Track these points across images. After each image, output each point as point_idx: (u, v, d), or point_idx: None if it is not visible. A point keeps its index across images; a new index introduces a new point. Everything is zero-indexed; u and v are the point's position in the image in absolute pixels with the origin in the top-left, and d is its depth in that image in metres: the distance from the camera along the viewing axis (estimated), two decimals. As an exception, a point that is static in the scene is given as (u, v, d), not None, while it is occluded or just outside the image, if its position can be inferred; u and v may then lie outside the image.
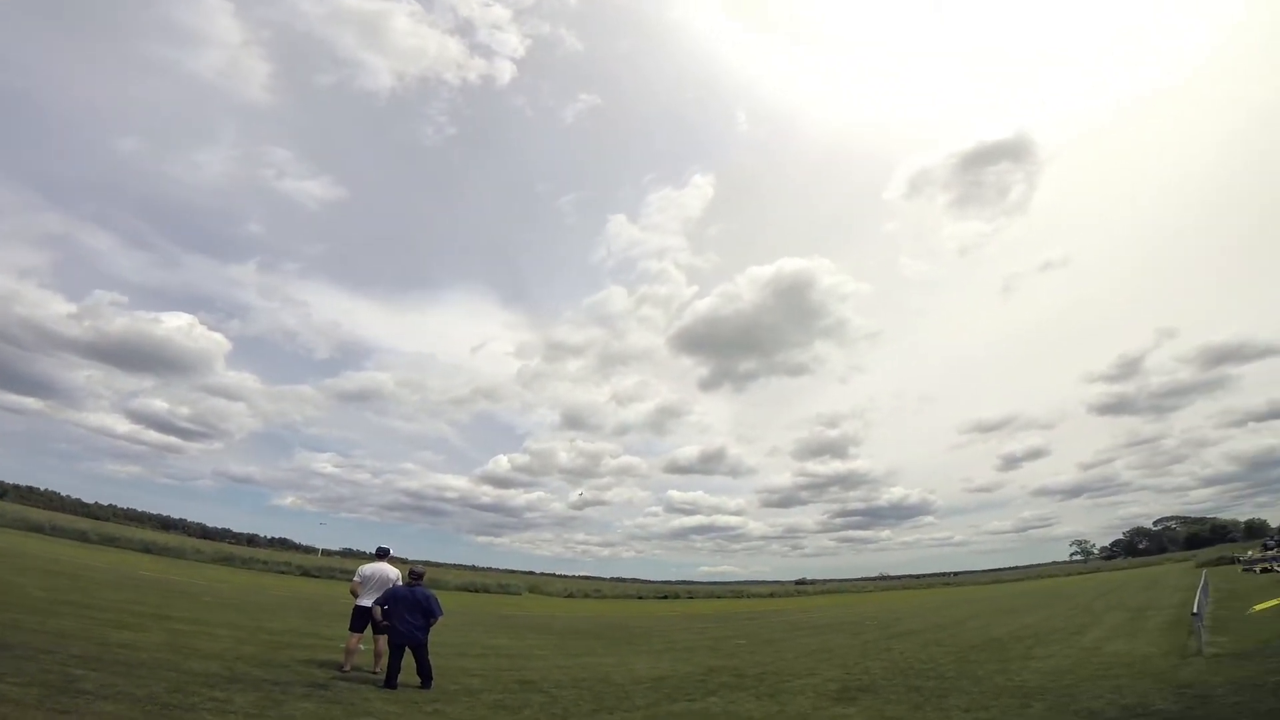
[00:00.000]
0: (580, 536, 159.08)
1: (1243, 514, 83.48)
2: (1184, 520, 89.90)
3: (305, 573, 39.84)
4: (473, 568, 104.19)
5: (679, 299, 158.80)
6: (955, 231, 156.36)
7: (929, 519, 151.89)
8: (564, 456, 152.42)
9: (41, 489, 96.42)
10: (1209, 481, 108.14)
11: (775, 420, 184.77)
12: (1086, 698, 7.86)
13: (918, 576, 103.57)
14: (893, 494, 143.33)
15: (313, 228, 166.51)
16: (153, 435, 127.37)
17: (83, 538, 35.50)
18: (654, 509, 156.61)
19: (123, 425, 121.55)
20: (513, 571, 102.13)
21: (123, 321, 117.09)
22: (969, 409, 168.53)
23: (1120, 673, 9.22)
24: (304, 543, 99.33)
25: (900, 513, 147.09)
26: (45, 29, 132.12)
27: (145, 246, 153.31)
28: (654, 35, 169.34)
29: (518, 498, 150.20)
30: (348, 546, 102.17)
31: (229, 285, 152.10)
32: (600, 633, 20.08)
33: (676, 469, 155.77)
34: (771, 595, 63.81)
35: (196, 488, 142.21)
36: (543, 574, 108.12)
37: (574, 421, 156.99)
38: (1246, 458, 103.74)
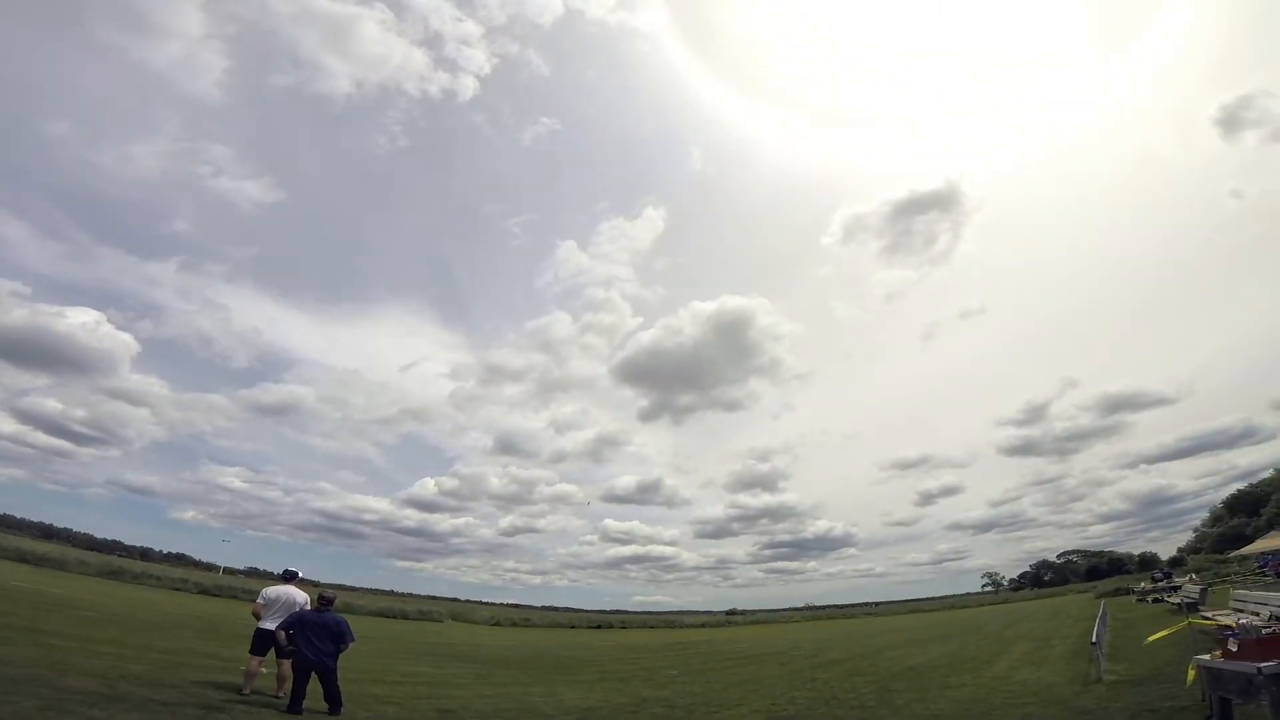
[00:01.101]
0: (510, 564, 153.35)
1: (1136, 548, 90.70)
2: (1084, 554, 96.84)
3: (204, 591, 36.63)
4: (391, 593, 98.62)
5: (623, 329, 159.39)
6: (884, 278, 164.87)
7: (852, 551, 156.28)
8: (496, 482, 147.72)
9: None
10: (1106, 518, 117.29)
11: (710, 453, 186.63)
12: (998, 725, 8.19)
13: (842, 606, 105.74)
14: (818, 526, 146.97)
15: (245, 230, 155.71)
16: (41, 438, 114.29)
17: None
18: (589, 537, 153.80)
19: (8, 425, 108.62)
20: (435, 598, 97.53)
21: (22, 313, 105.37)
22: (890, 447, 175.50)
23: (1028, 700, 9.68)
24: (204, 559, 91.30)
25: (825, 544, 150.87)
26: None
27: (58, 237, 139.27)
28: (621, 66, 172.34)
29: (443, 522, 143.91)
30: (253, 565, 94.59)
31: (145, 283, 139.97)
32: (528, 662, 19.40)
33: (614, 498, 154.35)
34: (703, 625, 63.73)
35: (86, 496, 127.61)
36: (468, 601, 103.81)
37: (508, 447, 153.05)
38: (1139, 496, 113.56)
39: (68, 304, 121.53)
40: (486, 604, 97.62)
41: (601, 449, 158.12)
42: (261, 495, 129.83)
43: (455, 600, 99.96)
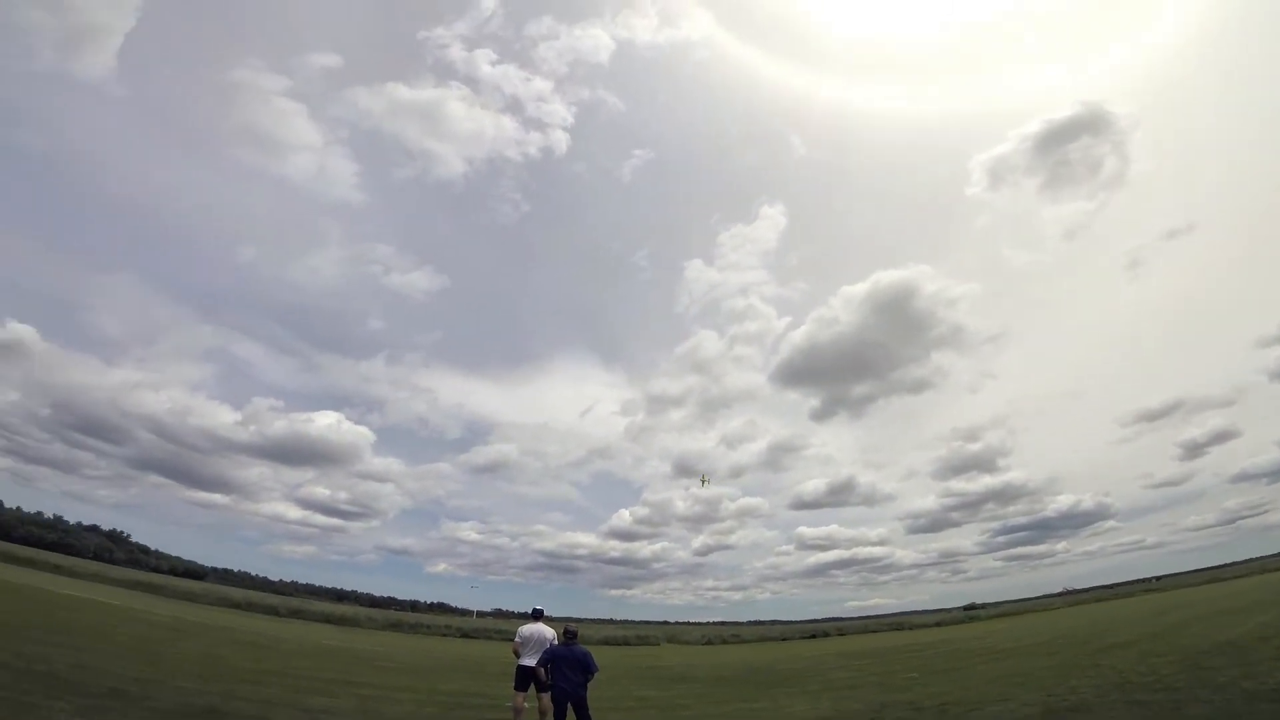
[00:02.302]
0: (709, 583, 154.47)
1: None
2: None
3: (464, 634, 42.15)
4: (610, 621, 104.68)
5: (772, 333, 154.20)
6: (1056, 214, 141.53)
7: (1110, 524, 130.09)
8: (681, 505, 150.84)
9: (235, 570, 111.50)
10: None
11: (904, 442, 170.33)
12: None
13: (1110, 586, 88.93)
14: (1060, 503, 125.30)
15: (425, 317, 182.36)
16: (320, 518, 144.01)
17: (274, 612, 40.16)
18: (785, 548, 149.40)
19: (294, 512, 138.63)
20: (648, 623, 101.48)
21: (282, 423, 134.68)
22: (1126, 399, 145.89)
23: None
24: (459, 605, 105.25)
25: (1074, 521, 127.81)
26: (146, 138, 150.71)
27: (288, 351, 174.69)
28: (688, 79, 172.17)
29: (643, 549, 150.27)
30: (498, 607, 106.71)
31: (363, 381, 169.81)
32: (745, 678, 19.22)
33: (803, 505, 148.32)
34: (938, 624, 57.78)
35: (362, 561, 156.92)
36: (677, 623, 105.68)
37: (685, 469, 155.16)
38: None
39: (313, 409, 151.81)
40: (695, 624, 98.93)
41: (779, 457, 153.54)
42: (493, 543, 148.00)
43: (665, 623, 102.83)
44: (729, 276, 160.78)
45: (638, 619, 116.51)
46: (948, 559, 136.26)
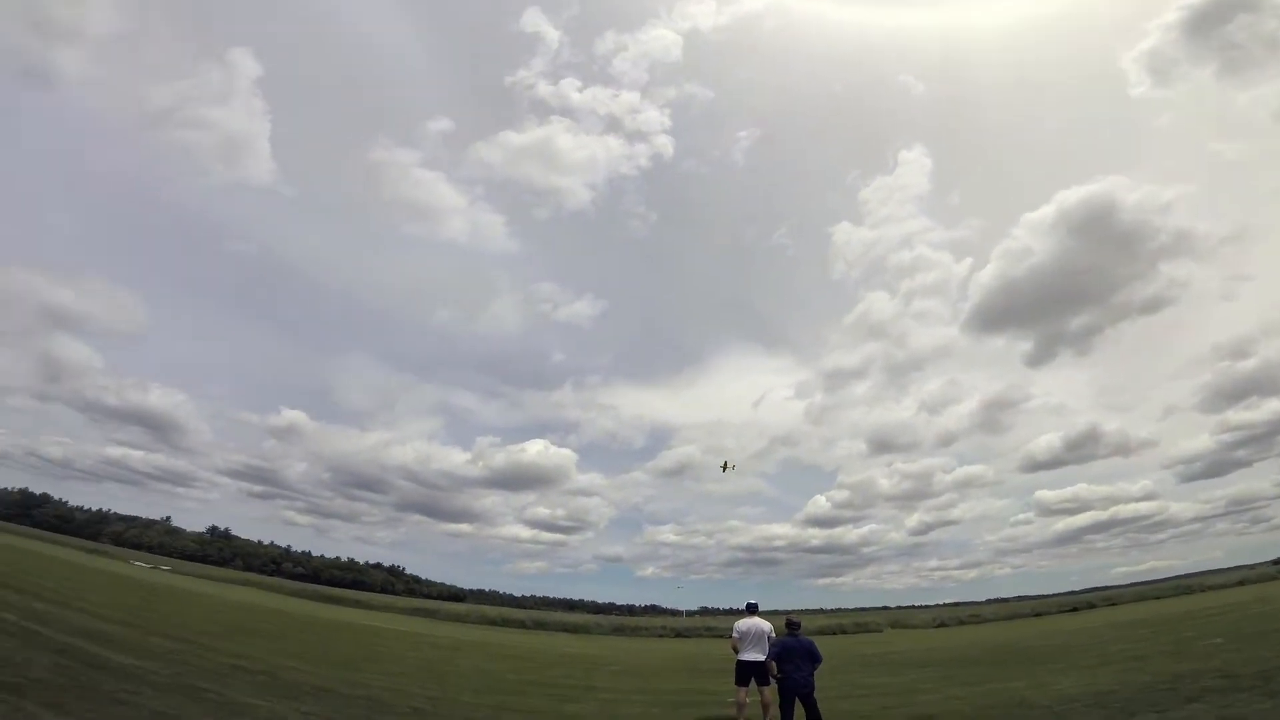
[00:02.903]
0: (933, 563, 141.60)
1: None
2: None
3: (677, 634, 44.01)
4: (820, 611, 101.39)
5: (954, 279, 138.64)
6: (1252, 99, 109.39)
7: None
8: (885, 483, 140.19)
9: (487, 590, 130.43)
10: None
11: (1151, 374, 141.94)
12: None
13: None
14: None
15: (595, 342, 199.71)
16: (545, 535, 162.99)
17: (521, 625, 45.55)
18: (1022, 516, 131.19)
19: (525, 532, 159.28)
20: (864, 609, 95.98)
21: (501, 456, 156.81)
22: None
23: None
24: (668, 606, 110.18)
25: None
26: (326, 230, 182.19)
27: (495, 395, 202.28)
28: (768, 49, 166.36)
29: (848, 534, 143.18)
30: (703, 605, 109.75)
31: (556, 409, 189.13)
32: (995, 658, 17.35)
33: (1036, 466, 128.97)
34: (1241, 583, 46.62)
35: (584, 571, 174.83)
36: (900, 608, 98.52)
37: (884, 445, 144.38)
38: None
39: (524, 440, 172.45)
40: (922, 608, 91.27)
41: (994, 416, 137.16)
42: (690, 543, 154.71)
43: (885, 609, 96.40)
44: (885, 231, 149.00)
45: (851, 606, 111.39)
46: (1240, 506, 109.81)
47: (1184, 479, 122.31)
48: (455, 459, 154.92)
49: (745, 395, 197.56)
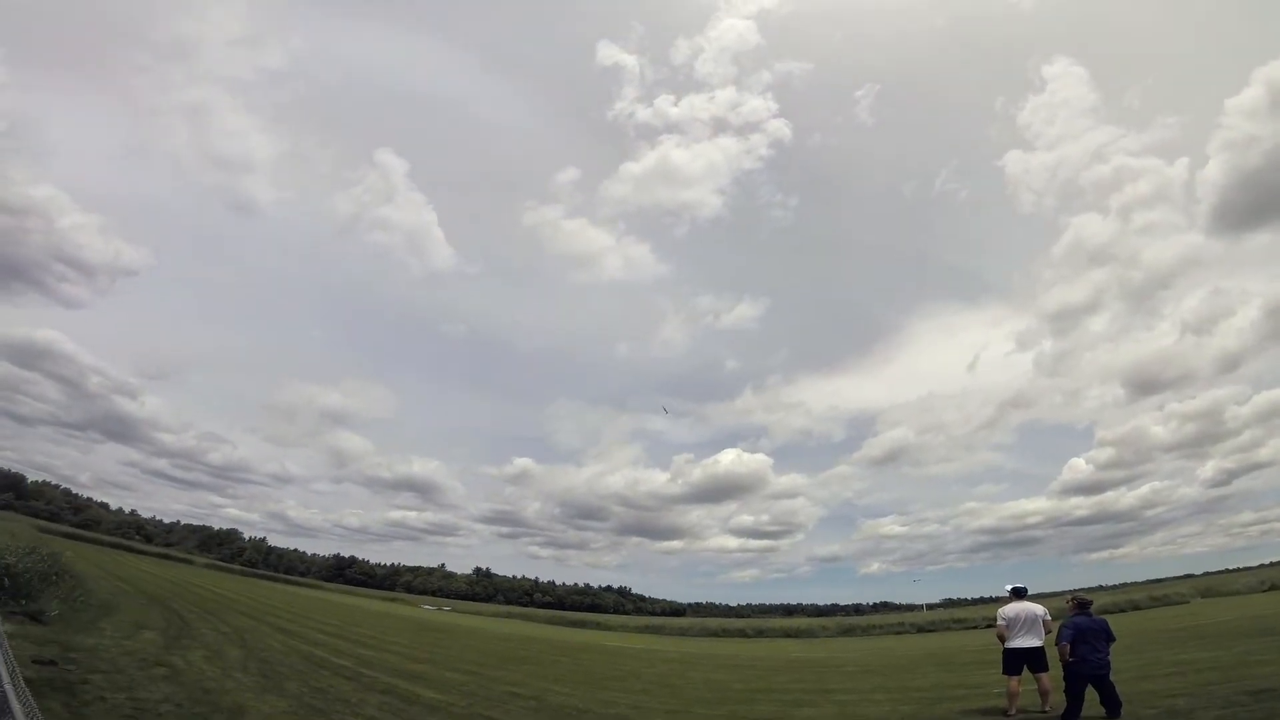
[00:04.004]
0: (1245, 517, 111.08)
1: None
2: None
3: (920, 629, 40.73)
4: (1101, 588, 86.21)
5: (1175, 183, 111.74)
6: None
7: None
8: (1160, 430, 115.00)
9: (704, 602, 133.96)
10: None
11: None
12: None
13: None
14: None
15: (765, 341, 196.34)
16: (754, 543, 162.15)
17: (742, 634, 45.91)
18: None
19: (732, 542, 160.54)
20: (1158, 580, 79.58)
21: (698, 471, 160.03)
22: None
23: None
24: (903, 602, 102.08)
25: None
26: (511, 301, 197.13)
27: (681, 414, 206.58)
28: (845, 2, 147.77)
29: (1122, 499, 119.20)
30: (946, 597, 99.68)
31: (743, 415, 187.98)
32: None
33: None
34: None
35: (799, 575, 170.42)
36: (1209, 574, 79.85)
37: (1147, 385, 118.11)
38: None
39: (716, 451, 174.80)
40: (1241, 570, 73.13)
41: None
42: (921, 532, 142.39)
43: (1189, 576, 79.14)
44: (1065, 151, 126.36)
45: (1142, 579, 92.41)
46: None
47: None
48: (657, 479, 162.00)
49: (956, 359, 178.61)
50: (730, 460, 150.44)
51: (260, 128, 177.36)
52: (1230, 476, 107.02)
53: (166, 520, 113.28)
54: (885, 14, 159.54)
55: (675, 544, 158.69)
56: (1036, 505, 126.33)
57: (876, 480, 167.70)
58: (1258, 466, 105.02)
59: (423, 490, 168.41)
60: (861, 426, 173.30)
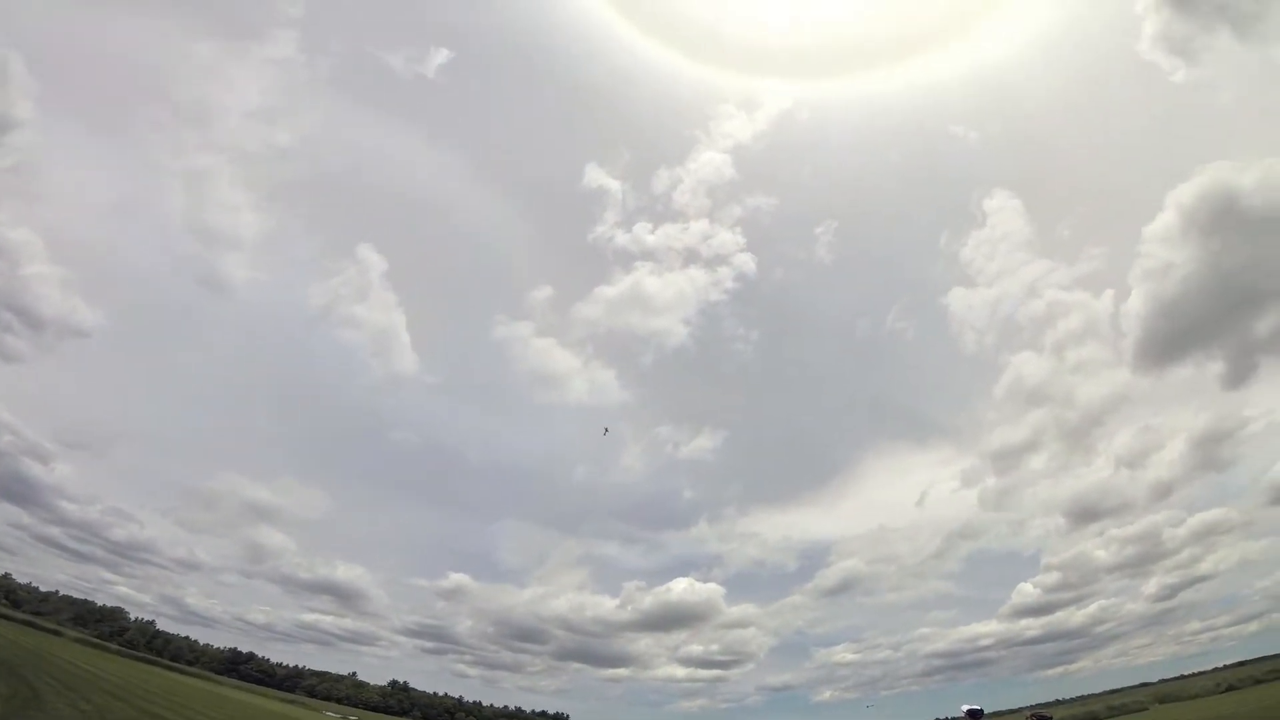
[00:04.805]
0: (1193, 626, 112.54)
1: None
2: None
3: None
4: (1058, 701, 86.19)
5: (1100, 316, 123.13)
6: None
7: None
8: (1103, 554, 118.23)
9: None
10: None
11: None
12: None
13: None
14: None
15: (722, 473, 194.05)
16: (702, 672, 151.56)
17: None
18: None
19: (680, 671, 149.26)
20: (1114, 690, 79.67)
21: (649, 599, 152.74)
22: None
23: None
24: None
25: None
26: (469, 413, 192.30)
27: (634, 540, 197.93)
28: (810, 141, 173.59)
29: (1072, 618, 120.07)
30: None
31: (697, 544, 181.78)
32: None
33: None
34: None
35: (750, 704, 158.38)
36: (1164, 681, 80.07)
37: (1087, 515, 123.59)
38: None
39: (668, 580, 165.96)
40: (1195, 675, 73.28)
41: (1212, 452, 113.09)
42: (874, 659, 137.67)
43: (1144, 685, 78.65)
44: (1003, 286, 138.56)
45: (1099, 690, 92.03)
46: None
47: None
48: (605, 605, 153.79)
49: (905, 496, 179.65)
50: (682, 589, 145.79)
51: (253, 205, 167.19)
52: (1174, 591, 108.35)
53: (44, 589, 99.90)
54: (847, 149, 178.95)
55: (621, 671, 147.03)
56: (988, 628, 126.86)
57: (829, 609, 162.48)
58: (1200, 579, 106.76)
59: (343, 596, 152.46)
60: (815, 557, 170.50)
